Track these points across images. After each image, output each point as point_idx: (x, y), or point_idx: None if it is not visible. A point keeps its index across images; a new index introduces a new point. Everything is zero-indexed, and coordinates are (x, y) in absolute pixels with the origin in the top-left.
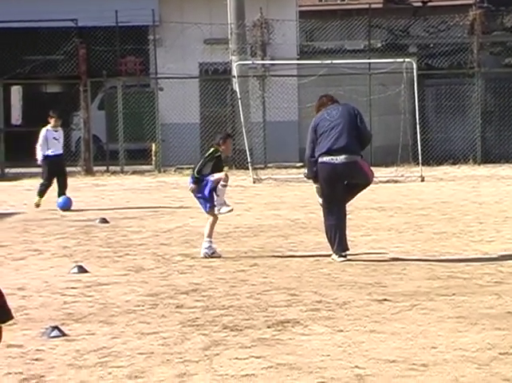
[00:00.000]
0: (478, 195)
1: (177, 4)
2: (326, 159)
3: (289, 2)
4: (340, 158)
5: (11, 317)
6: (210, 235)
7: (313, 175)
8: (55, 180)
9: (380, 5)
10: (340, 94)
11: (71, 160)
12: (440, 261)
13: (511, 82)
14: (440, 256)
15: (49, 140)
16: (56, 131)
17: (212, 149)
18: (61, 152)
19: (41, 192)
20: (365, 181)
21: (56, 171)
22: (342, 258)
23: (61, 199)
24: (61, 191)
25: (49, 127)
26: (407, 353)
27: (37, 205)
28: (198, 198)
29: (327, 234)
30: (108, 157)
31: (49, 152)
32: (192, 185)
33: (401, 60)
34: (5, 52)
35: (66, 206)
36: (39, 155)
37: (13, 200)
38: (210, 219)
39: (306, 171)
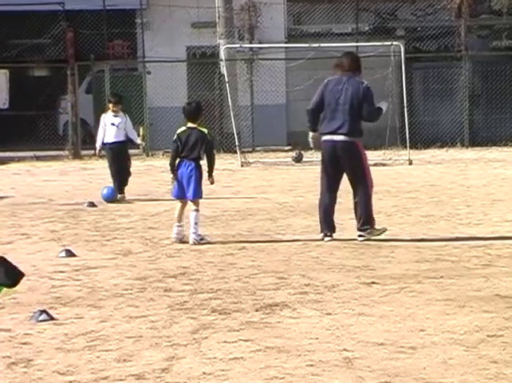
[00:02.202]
0: (466, 178)
1: None
2: (327, 137)
3: None
4: (340, 138)
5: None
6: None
7: (311, 127)
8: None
9: None
10: (327, 78)
11: (59, 144)
12: (428, 243)
13: (499, 65)
14: (428, 239)
15: (106, 126)
16: (116, 116)
17: (206, 130)
18: (121, 139)
19: (118, 187)
20: (361, 176)
21: (117, 159)
22: (328, 238)
23: (105, 190)
24: (122, 180)
25: (109, 112)
26: (396, 336)
27: (123, 198)
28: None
29: (319, 209)
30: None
31: (107, 139)
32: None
33: (389, 43)
34: None
35: (110, 198)
36: (97, 143)
37: (1, 184)
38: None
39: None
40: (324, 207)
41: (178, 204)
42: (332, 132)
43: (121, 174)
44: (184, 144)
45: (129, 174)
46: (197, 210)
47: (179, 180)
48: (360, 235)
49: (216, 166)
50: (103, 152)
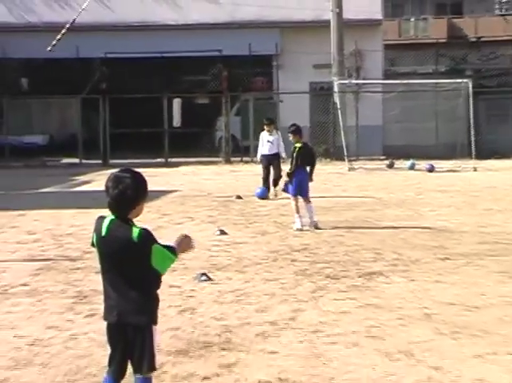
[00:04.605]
0: None
1: (293, 38)
2: None
3: (376, 37)
4: None
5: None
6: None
7: None
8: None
9: (445, 40)
10: (413, 106)
11: (215, 153)
12: (488, 230)
13: None
14: (488, 227)
15: (263, 142)
16: (270, 134)
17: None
18: (274, 151)
19: (265, 182)
20: None
21: (269, 165)
22: None
23: (259, 190)
24: (273, 181)
25: (265, 131)
26: (463, 299)
27: (275, 195)
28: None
29: None
30: (242, 150)
31: (263, 152)
32: None
33: (460, 80)
34: (170, 74)
35: (262, 195)
36: (258, 155)
37: (174, 181)
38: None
39: None
40: None
41: (293, 201)
42: None
43: (274, 176)
44: (304, 156)
45: (280, 176)
46: (311, 202)
47: (298, 182)
48: None
49: (330, 170)
50: (259, 161)
